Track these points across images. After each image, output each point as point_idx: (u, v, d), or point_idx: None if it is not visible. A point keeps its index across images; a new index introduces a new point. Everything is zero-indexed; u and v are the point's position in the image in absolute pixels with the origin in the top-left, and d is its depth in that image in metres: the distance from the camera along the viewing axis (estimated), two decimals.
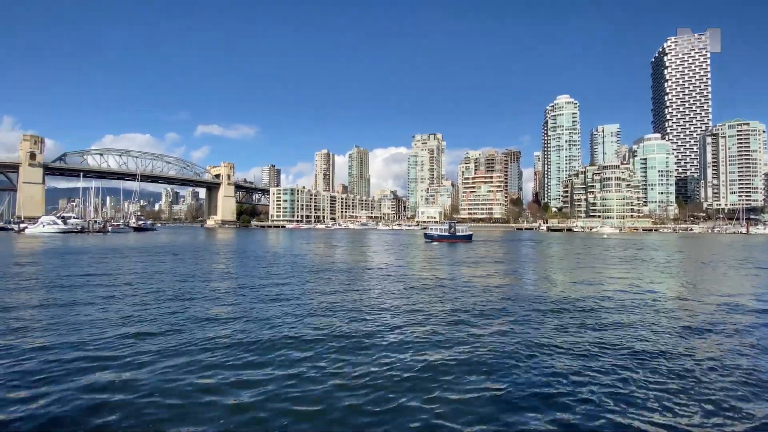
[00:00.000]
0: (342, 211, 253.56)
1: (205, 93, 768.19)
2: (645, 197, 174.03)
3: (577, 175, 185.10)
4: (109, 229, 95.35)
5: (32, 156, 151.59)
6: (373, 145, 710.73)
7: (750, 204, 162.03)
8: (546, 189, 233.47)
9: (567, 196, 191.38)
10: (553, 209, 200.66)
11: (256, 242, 60.26)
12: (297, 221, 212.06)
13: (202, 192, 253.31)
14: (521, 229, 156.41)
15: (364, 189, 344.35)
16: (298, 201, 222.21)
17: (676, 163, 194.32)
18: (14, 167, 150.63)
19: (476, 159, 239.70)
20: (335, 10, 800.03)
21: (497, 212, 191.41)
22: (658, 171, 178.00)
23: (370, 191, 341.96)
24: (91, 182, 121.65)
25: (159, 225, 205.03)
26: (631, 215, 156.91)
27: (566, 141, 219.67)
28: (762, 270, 26.16)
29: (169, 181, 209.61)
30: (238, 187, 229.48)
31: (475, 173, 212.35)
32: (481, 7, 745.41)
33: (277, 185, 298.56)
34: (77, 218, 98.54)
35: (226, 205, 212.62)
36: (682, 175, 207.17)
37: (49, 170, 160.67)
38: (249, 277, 20.82)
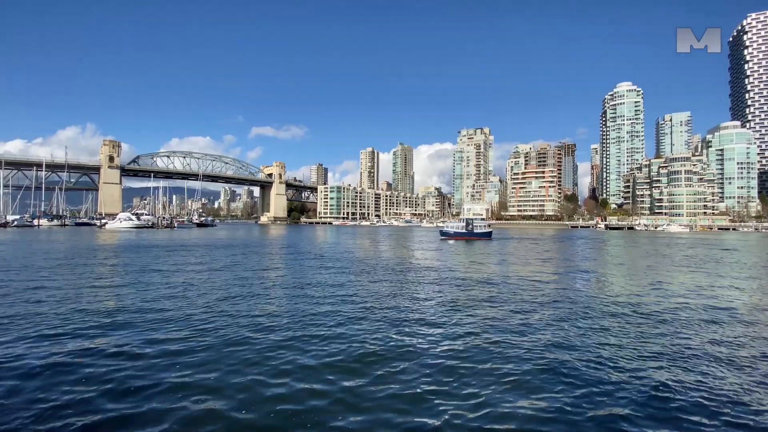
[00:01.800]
0: (386, 209, 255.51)
1: (258, 96, 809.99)
2: (721, 192, 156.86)
3: (640, 168, 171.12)
4: (176, 225, 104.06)
5: (111, 159, 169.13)
6: (418, 142, 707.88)
7: None
8: (604, 184, 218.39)
9: (628, 192, 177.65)
10: (613, 206, 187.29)
11: (305, 238, 62.69)
12: (343, 218, 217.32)
13: (256, 190, 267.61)
14: (576, 227, 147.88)
15: (408, 186, 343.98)
16: (343, 198, 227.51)
17: (759, 154, 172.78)
18: (96, 169, 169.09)
19: (526, 153, 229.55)
20: (379, 7, 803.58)
21: (549, 209, 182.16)
22: (737, 163, 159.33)
23: (414, 188, 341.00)
24: (159, 182, 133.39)
25: (218, 221, 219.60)
26: (704, 212, 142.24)
27: (628, 132, 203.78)
28: None
29: (227, 180, 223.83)
30: (288, 185, 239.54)
31: (525, 168, 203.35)
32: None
33: (325, 183, 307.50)
34: (148, 215, 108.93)
35: (277, 202, 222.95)
36: (766, 167, 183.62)
37: (125, 172, 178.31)
38: (314, 274, 21.80)
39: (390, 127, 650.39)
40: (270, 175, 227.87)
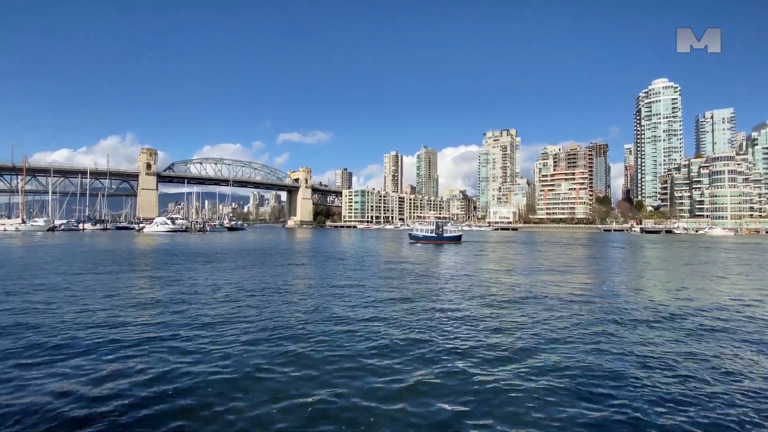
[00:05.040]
0: (410, 212, 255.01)
1: (284, 102, 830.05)
2: None
3: (678, 168, 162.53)
4: (208, 229, 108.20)
5: (148, 166, 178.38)
6: (442, 145, 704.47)
7: None
8: (639, 185, 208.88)
9: (665, 193, 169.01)
10: (649, 208, 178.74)
11: (331, 241, 63.62)
12: (367, 222, 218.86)
13: (284, 195, 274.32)
14: (609, 230, 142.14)
15: (432, 189, 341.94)
16: (368, 202, 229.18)
17: None
18: (135, 176, 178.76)
19: (555, 154, 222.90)
20: (400, 7, 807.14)
21: (580, 212, 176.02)
22: None
23: (438, 191, 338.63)
24: (193, 188, 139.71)
25: (247, 225, 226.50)
26: (750, 215, 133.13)
27: (664, 131, 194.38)
28: None
29: (256, 185, 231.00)
30: (314, 190, 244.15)
31: (554, 170, 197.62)
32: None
33: (349, 187, 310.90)
34: (183, 219, 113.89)
35: (304, 206, 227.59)
36: None
37: (161, 178, 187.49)
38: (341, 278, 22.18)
39: (414, 130, 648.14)
40: (297, 179, 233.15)
